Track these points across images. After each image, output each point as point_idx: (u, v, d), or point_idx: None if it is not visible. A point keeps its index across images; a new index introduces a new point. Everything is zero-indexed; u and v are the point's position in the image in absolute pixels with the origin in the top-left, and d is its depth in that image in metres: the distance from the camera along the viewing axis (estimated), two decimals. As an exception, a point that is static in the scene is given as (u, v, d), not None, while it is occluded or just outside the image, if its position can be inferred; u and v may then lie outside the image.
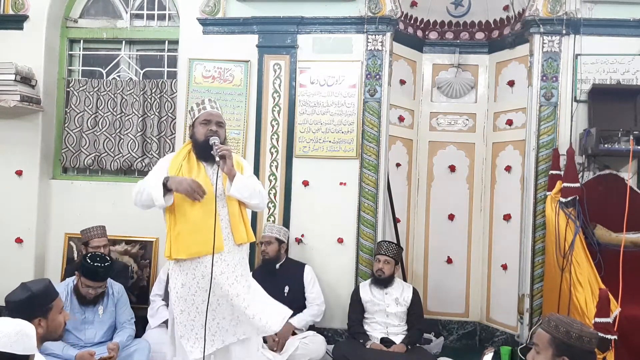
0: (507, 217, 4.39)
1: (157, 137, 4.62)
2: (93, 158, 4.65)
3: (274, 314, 2.89)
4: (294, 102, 4.33)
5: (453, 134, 4.70)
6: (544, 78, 4.13)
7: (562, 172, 3.91)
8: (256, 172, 3.17)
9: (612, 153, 3.80)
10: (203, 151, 2.79)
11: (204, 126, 2.82)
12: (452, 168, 4.67)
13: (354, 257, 4.27)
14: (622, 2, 4.08)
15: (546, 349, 2.13)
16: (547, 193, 3.91)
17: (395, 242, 4.37)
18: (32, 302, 2.30)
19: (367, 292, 3.88)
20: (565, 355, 2.08)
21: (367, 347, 3.64)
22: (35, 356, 1.99)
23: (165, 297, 3.87)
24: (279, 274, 3.93)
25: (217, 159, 2.66)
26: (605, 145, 3.77)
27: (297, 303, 3.89)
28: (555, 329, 2.12)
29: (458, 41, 4.65)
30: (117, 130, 4.66)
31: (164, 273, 3.96)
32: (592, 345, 2.10)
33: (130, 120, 4.64)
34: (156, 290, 3.95)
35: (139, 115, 4.62)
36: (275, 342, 3.67)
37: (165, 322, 3.67)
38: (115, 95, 4.65)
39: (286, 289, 3.88)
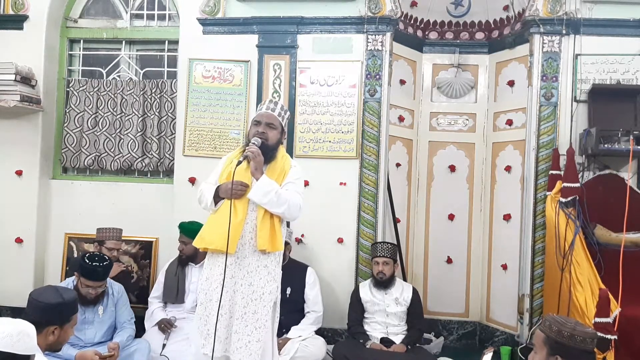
0: (507, 217, 4.39)
1: (157, 137, 4.62)
2: (93, 158, 4.65)
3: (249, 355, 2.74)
4: (294, 102, 4.33)
5: (453, 134, 4.70)
6: (544, 78, 4.13)
7: (562, 172, 3.91)
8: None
9: (612, 153, 3.80)
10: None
11: (254, 127, 2.88)
12: (452, 168, 4.67)
13: (354, 257, 4.27)
14: (622, 2, 4.08)
15: (541, 348, 2.16)
16: (547, 193, 3.91)
17: (395, 242, 4.37)
18: (59, 309, 2.32)
19: (367, 292, 3.88)
20: (558, 354, 2.10)
21: (367, 347, 3.64)
22: (36, 356, 1.99)
23: (163, 299, 3.89)
24: (282, 275, 3.90)
25: (241, 159, 2.74)
26: (605, 145, 3.77)
27: (298, 305, 3.91)
28: (549, 328, 2.14)
29: (458, 41, 4.65)
30: (117, 130, 4.66)
31: (162, 275, 3.97)
32: (585, 345, 2.09)
33: (130, 120, 4.64)
34: (154, 292, 3.95)
35: (139, 115, 4.62)
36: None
37: (158, 324, 3.72)
38: (115, 95, 4.65)
39: (288, 290, 3.86)
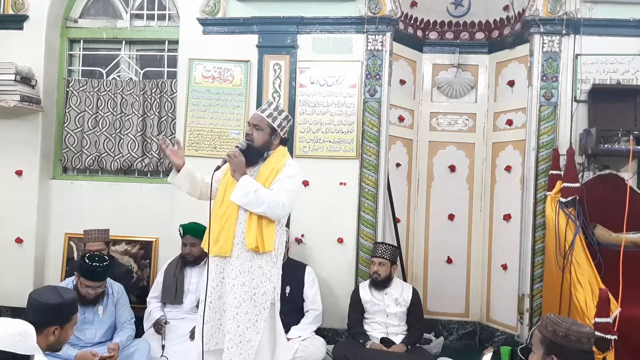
0: (507, 217, 4.39)
1: (157, 137, 4.62)
2: (94, 158, 4.66)
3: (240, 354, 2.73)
4: (294, 102, 4.33)
5: (453, 134, 4.69)
6: (544, 78, 4.13)
7: (562, 172, 3.91)
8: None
9: (612, 153, 3.79)
10: None
11: (247, 128, 2.94)
12: (452, 168, 4.67)
13: (354, 257, 4.26)
14: (622, 2, 4.07)
15: (538, 348, 2.18)
16: (547, 193, 3.91)
17: (395, 242, 4.37)
18: (59, 310, 2.32)
19: (367, 292, 3.88)
20: (553, 354, 2.10)
21: (367, 347, 3.64)
22: (36, 356, 2.00)
23: (161, 299, 3.89)
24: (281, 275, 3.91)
25: (220, 163, 2.82)
26: (605, 145, 3.77)
27: (298, 304, 3.91)
28: (545, 328, 2.16)
29: (458, 41, 4.65)
30: (117, 130, 4.66)
31: (160, 275, 3.97)
32: (581, 344, 2.09)
33: (130, 120, 4.64)
34: (153, 292, 3.94)
35: (139, 115, 4.62)
36: None
37: (155, 325, 3.73)
38: (115, 95, 4.65)
39: (287, 289, 3.86)
